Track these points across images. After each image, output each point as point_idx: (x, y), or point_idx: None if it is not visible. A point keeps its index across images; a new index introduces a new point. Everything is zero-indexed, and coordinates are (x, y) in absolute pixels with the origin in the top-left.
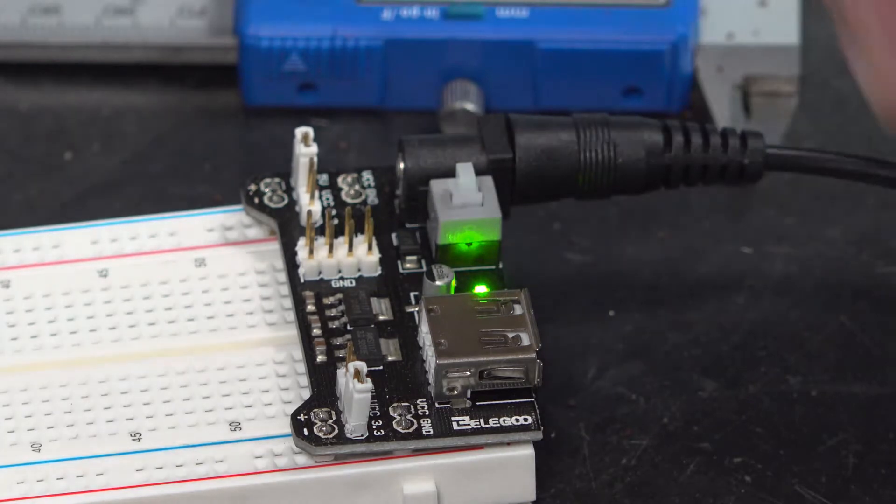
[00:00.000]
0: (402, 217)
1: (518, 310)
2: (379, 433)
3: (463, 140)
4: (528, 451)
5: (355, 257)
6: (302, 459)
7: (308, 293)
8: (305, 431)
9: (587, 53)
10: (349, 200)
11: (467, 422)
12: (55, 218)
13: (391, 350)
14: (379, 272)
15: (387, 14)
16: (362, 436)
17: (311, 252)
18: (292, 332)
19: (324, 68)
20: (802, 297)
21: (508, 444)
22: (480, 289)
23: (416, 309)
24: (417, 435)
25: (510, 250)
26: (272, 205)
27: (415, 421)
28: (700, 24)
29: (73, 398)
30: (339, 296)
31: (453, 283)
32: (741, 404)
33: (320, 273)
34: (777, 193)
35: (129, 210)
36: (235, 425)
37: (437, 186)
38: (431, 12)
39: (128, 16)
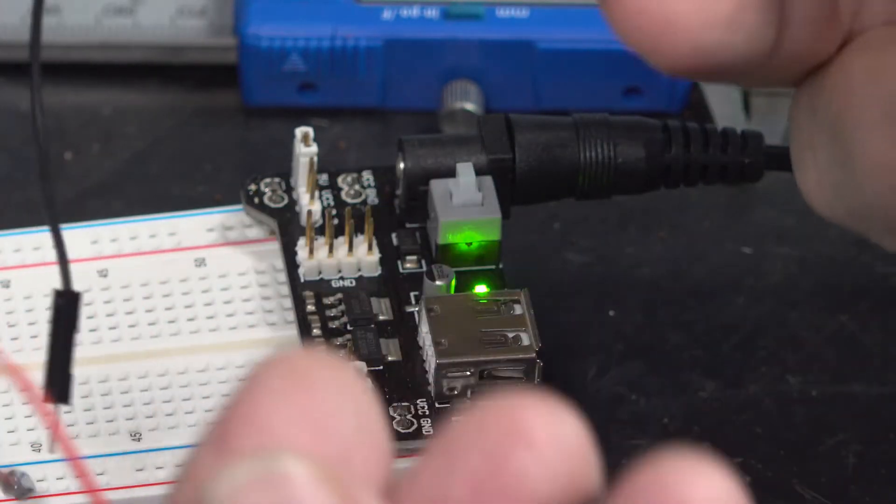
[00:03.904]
0: (402, 217)
1: (518, 310)
2: None
3: (463, 140)
4: None
5: (355, 257)
6: None
7: (308, 293)
8: None
9: (587, 53)
10: (349, 200)
11: None
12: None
13: (391, 350)
14: (379, 272)
15: (387, 14)
16: None
17: (311, 252)
18: (292, 332)
19: (324, 68)
20: (802, 297)
21: None
22: (480, 289)
23: (416, 309)
24: (417, 435)
25: (510, 250)
26: (272, 205)
27: (415, 421)
28: None
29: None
30: (339, 296)
31: (453, 283)
32: (741, 404)
33: (320, 273)
34: (777, 193)
35: (129, 210)
36: None
37: (437, 186)
38: (431, 12)
39: (128, 16)
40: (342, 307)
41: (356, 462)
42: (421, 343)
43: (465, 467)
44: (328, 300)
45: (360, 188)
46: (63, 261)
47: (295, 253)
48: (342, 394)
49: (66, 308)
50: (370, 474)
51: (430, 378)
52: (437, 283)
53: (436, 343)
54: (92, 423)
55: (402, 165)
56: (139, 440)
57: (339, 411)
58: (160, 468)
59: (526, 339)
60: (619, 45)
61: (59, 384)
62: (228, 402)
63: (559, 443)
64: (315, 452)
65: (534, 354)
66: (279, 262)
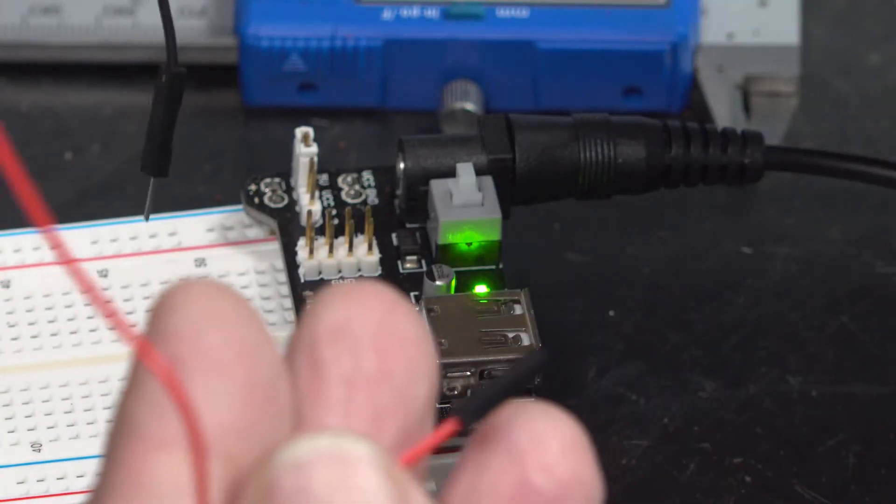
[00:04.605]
0: (402, 217)
1: (518, 310)
2: None
3: (463, 140)
4: None
5: (355, 257)
6: None
7: (308, 293)
8: None
9: (587, 53)
10: (349, 200)
11: None
12: (55, 218)
13: None
14: (379, 272)
15: (387, 14)
16: None
17: (311, 252)
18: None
19: (324, 68)
20: (802, 297)
21: None
22: (480, 289)
23: (417, 309)
24: None
25: (510, 250)
26: (272, 205)
27: None
28: (700, 24)
29: (73, 398)
30: None
31: (453, 283)
32: (741, 404)
33: (320, 273)
34: (777, 193)
35: (129, 210)
36: None
37: (437, 186)
38: (431, 12)
39: (128, 16)
40: None
41: (281, 392)
42: None
43: (360, 365)
44: None
45: (360, 188)
46: (170, 36)
47: (295, 253)
48: (258, 322)
49: (171, 84)
50: (290, 406)
51: None
52: (437, 283)
53: (436, 343)
54: (92, 423)
55: (402, 165)
56: None
57: (261, 340)
58: None
59: (526, 339)
60: (619, 45)
61: (156, 158)
62: (160, 314)
63: (417, 336)
64: (248, 379)
65: None
66: (279, 262)
